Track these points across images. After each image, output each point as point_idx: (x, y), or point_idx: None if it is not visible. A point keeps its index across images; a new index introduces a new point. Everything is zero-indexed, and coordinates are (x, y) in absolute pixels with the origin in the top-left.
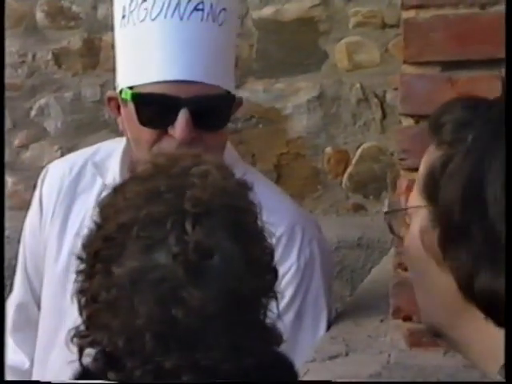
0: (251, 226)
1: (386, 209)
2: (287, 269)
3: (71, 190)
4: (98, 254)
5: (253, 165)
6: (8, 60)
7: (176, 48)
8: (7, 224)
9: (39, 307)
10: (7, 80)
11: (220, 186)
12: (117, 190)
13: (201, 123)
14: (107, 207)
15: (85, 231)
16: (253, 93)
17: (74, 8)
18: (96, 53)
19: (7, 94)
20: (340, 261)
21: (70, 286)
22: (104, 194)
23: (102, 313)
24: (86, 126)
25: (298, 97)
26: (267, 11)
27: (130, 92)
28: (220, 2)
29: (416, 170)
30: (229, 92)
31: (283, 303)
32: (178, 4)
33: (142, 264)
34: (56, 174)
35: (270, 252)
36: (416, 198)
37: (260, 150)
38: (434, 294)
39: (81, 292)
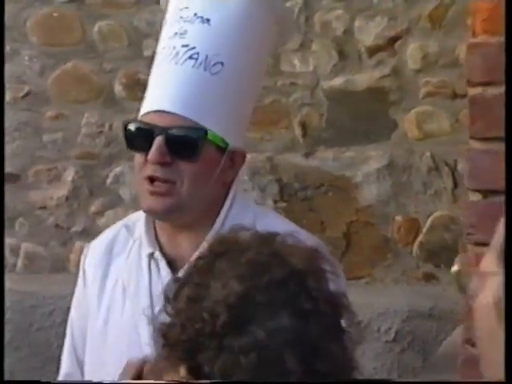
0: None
1: (456, 267)
2: None
3: (107, 252)
4: (225, 323)
5: (322, 232)
6: (87, 130)
7: (166, 85)
8: None
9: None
10: (86, 149)
11: (309, 250)
12: (180, 280)
13: (174, 150)
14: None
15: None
16: (323, 161)
17: None
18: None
19: (86, 162)
20: (411, 331)
21: (110, 339)
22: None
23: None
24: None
25: (368, 165)
26: (337, 81)
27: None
28: (217, 56)
29: (484, 244)
30: (204, 128)
31: None
32: (177, 53)
33: (273, 327)
34: (95, 245)
35: None
36: (490, 263)
37: (329, 217)
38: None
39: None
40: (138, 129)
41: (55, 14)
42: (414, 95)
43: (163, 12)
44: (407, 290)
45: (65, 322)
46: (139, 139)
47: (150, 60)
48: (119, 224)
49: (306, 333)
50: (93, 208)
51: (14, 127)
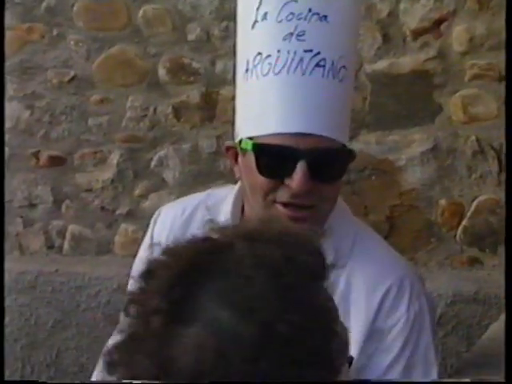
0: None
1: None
2: (396, 321)
3: (182, 231)
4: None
5: (365, 216)
6: (131, 114)
7: (296, 101)
8: (128, 271)
9: None
10: (131, 132)
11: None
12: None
13: (317, 175)
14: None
15: None
16: (366, 145)
17: (194, 64)
18: (213, 106)
19: (131, 145)
20: (455, 315)
21: None
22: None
23: None
24: (202, 177)
25: (412, 149)
26: (381, 64)
27: (250, 142)
28: (341, 59)
29: None
30: (344, 145)
31: (391, 356)
32: (301, 60)
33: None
34: (169, 214)
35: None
36: None
37: (372, 201)
38: None
39: None
40: (274, 153)
41: None
42: (459, 78)
43: None
44: (451, 274)
45: (110, 302)
46: (277, 165)
47: (194, 44)
48: (196, 200)
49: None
50: (137, 191)
51: (61, 111)
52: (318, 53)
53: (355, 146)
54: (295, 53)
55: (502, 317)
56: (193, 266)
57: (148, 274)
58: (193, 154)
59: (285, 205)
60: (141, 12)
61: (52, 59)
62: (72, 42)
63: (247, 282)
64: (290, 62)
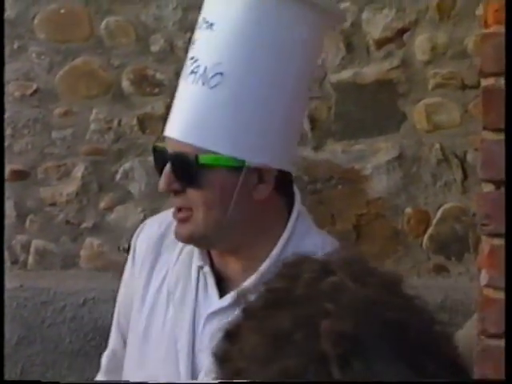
0: (418, 335)
1: (469, 270)
2: None
3: (158, 245)
4: None
5: (332, 225)
6: (96, 126)
7: (174, 107)
8: (94, 285)
9: None
10: (95, 145)
11: (363, 299)
12: (231, 335)
13: (180, 177)
14: (225, 363)
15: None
16: (332, 154)
17: (158, 75)
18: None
19: (95, 158)
20: None
21: (151, 336)
22: (219, 340)
23: None
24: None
25: (378, 157)
26: (346, 74)
27: None
28: (217, 66)
29: (497, 235)
30: (198, 151)
31: None
32: (186, 67)
33: None
34: (149, 229)
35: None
36: None
37: (339, 210)
38: None
39: None
40: (156, 154)
41: (62, 11)
42: (422, 87)
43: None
44: (418, 283)
45: (76, 317)
46: (158, 163)
47: (158, 55)
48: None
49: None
50: (102, 204)
51: (23, 124)
52: (196, 60)
53: (321, 155)
54: (188, 59)
55: (467, 324)
56: None
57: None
58: None
59: (174, 205)
60: (103, 23)
61: (13, 72)
62: (34, 55)
63: None
64: (184, 69)
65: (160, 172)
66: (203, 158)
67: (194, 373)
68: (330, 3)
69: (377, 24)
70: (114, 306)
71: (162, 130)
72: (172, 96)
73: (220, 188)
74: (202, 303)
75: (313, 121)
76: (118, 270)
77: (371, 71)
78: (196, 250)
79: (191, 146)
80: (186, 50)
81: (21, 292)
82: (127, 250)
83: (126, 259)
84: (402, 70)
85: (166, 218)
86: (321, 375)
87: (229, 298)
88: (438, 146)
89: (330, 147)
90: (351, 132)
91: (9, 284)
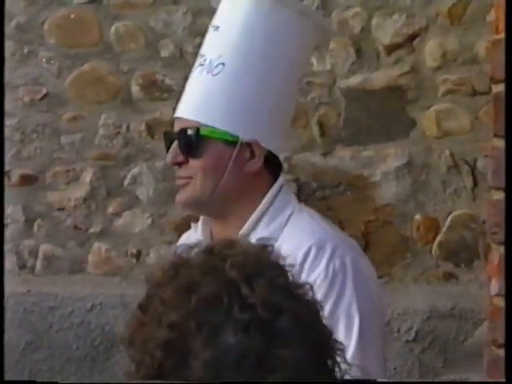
0: (292, 285)
1: (478, 278)
2: (315, 278)
3: (186, 240)
4: (163, 365)
5: None
6: (104, 131)
7: (183, 94)
8: (101, 290)
9: None
10: (104, 150)
11: (252, 252)
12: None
13: (184, 151)
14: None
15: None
16: (341, 160)
17: (167, 80)
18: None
19: (104, 163)
20: (431, 331)
21: None
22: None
23: None
24: (176, 194)
25: (387, 164)
26: (355, 80)
27: None
28: (220, 58)
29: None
30: (199, 126)
31: None
32: (195, 63)
33: (214, 353)
34: (187, 232)
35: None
36: None
37: (348, 217)
38: None
39: None
40: (165, 138)
41: (72, 16)
42: (432, 93)
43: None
44: (427, 290)
45: (83, 323)
46: (167, 145)
47: (167, 60)
48: None
49: (249, 346)
50: (110, 209)
51: (32, 129)
52: (204, 55)
53: (330, 161)
54: (199, 56)
55: (477, 333)
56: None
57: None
58: (166, 171)
59: (176, 175)
60: (113, 29)
61: (23, 76)
62: (43, 60)
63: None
64: (196, 63)
65: (167, 148)
66: (203, 130)
67: None
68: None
69: (387, 30)
70: (121, 311)
71: None
72: None
73: (216, 158)
74: None
75: (322, 127)
76: (126, 275)
77: (381, 77)
78: (199, 228)
79: (194, 122)
80: (195, 55)
81: (28, 297)
82: (135, 256)
83: (134, 265)
84: (411, 76)
85: (192, 227)
86: (234, 296)
87: None
88: (447, 152)
89: (338, 153)
90: (360, 138)
91: (16, 289)
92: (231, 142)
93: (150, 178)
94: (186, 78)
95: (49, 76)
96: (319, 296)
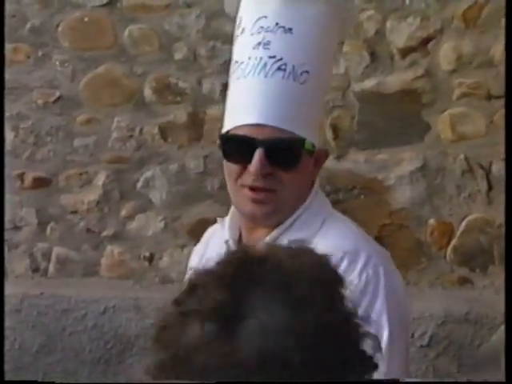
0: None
1: (494, 283)
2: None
3: (205, 244)
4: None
5: None
6: (118, 134)
7: (257, 98)
8: (114, 293)
9: None
10: (117, 153)
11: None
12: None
13: (274, 161)
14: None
15: None
16: (355, 164)
17: (181, 83)
18: (200, 126)
19: (117, 166)
20: (446, 336)
21: None
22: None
23: None
24: (190, 197)
25: (401, 168)
26: (369, 83)
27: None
28: (304, 65)
29: None
30: (301, 138)
31: None
32: (265, 64)
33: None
34: (203, 236)
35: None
36: None
37: (362, 220)
38: None
39: None
40: (237, 142)
41: (86, 19)
42: (447, 96)
43: (232, 20)
44: (442, 294)
45: (96, 326)
46: (239, 151)
47: (180, 63)
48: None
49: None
50: (123, 212)
51: (46, 132)
52: (281, 58)
53: (344, 164)
54: (261, 59)
55: (494, 338)
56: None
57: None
58: (180, 174)
59: (250, 188)
60: (127, 31)
61: (37, 79)
62: (57, 62)
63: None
64: (256, 66)
65: (238, 159)
66: (307, 144)
67: None
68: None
69: (401, 33)
70: (134, 314)
71: (184, 139)
72: (194, 104)
73: (303, 169)
74: None
75: (335, 130)
76: (139, 278)
77: (395, 80)
78: (226, 228)
79: (288, 132)
80: (209, 58)
81: (41, 300)
82: (147, 259)
83: (147, 268)
84: (426, 80)
85: (215, 225)
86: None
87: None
88: (462, 156)
89: (352, 157)
90: (374, 141)
91: (30, 292)
92: (311, 152)
93: (163, 181)
94: (199, 82)
95: (63, 79)
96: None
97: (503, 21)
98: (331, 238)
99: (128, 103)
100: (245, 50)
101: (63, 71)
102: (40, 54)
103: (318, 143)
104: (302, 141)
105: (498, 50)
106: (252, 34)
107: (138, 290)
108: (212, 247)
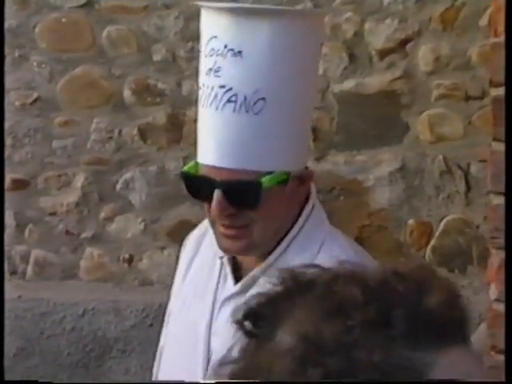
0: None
1: (472, 283)
2: None
3: (196, 246)
4: None
5: None
6: (96, 136)
7: (211, 135)
8: (94, 296)
9: None
10: (96, 155)
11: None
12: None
13: (234, 202)
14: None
15: None
16: (334, 165)
17: (160, 85)
18: (180, 127)
19: (96, 168)
20: None
21: (181, 324)
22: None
23: None
24: (169, 199)
25: (380, 169)
26: (348, 84)
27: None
28: (258, 93)
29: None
30: (260, 176)
31: None
32: (216, 95)
33: None
34: (190, 236)
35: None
36: None
37: (341, 222)
38: None
39: None
40: (197, 181)
41: (64, 20)
42: (425, 98)
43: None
44: None
45: (75, 329)
46: (201, 191)
47: (160, 65)
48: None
49: None
50: (103, 214)
51: (24, 133)
52: (230, 88)
53: (323, 166)
54: (212, 88)
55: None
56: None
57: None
58: (159, 175)
59: (223, 225)
60: (105, 33)
61: (14, 81)
62: (35, 64)
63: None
64: (208, 96)
65: (201, 197)
66: (266, 181)
67: (209, 354)
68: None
69: (379, 34)
70: (114, 317)
71: (163, 140)
72: (174, 105)
73: (274, 203)
74: (220, 291)
75: (315, 131)
76: (118, 280)
77: (374, 82)
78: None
79: (246, 171)
80: (188, 60)
81: (20, 303)
82: (127, 261)
83: (126, 270)
84: (404, 81)
85: (203, 226)
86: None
87: (239, 284)
88: (441, 157)
89: (332, 158)
90: (353, 143)
91: (8, 295)
92: (285, 180)
93: (142, 182)
94: (178, 83)
95: (40, 80)
96: None
97: (480, 23)
98: (327, 261)
99: (107, 105)
100: (201, 74)
101: (41, 72)
102: (17, 54)
103: (300, 165)
104: (259, 184)
105: (475, 52)
106: (206, 56)
107: (117, 292)
108: (201, 256)
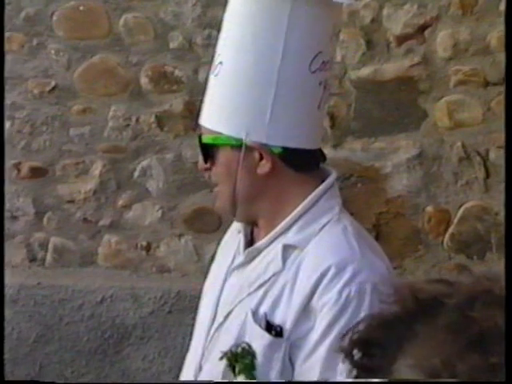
0: None
1: (491, 270)
2: (327, 300)
3: (226, 241)
4: None
5: None
6: (114, 124)
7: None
8: (112, 283)
9: None
10: (113, 142)
11: None
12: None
13: (204, 158)
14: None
15: None
16: (352, 152)
17: (177, 72)
18: (197, 115)
19: (113, 155)
20: None
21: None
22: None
23: None
24: (186, 186)
25: (398, 155)
26: (366, 71)
27: None
28: (219, 57)
29: None
30: (205, 136)
31: (316, 335)
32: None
33: None
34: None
35: None
36: None
37: (359, 209)
38: None
39: None
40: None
41: (81, 8)
42: (444, 84)
43: None
44: None
45: (93, 315)
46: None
47: (176, 52)
48: None
49: None
50: (120, 201)
51: (42, 121)
52: (220, 54)
53: (340, 153)
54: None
55: None
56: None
57: None
58: (176, 163)
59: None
60: (122, 20)
61: (32, 69)
62: (52, 52)
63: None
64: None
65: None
66: (205, 138)
67: (214, 319)
68: None
69: (398, 20)
70: (131, 304)
71: (180, 128)
72: (191, 93)
73: (226, 164)
74: (234, 262)
75: (332, 118)
76: (136, 267)
77: (392, 68)
78: (241, 227)
79: (207, 129)
80: (205, 47)
81: (39, 290)
82: (145, 248)
83: (144, 257)
84: (423, 67)
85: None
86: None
87: (244, 255)
88: (459, 144)
89: (349, 145)
90: (371, 130)
91: (27, 282)
92: (237, 146)
93: (159, 170)
94: (195, 70)
95: (58, 68)
96: (323, 325)
97: (500, 7)
98: (323, 246)
99: (124, 92)
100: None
101: (58, 60)
102: (35, 43)
103: (262, 138)
104: (199, 136)
105: (495, 37)
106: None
107: (135, 279)
108: (230, 234)
